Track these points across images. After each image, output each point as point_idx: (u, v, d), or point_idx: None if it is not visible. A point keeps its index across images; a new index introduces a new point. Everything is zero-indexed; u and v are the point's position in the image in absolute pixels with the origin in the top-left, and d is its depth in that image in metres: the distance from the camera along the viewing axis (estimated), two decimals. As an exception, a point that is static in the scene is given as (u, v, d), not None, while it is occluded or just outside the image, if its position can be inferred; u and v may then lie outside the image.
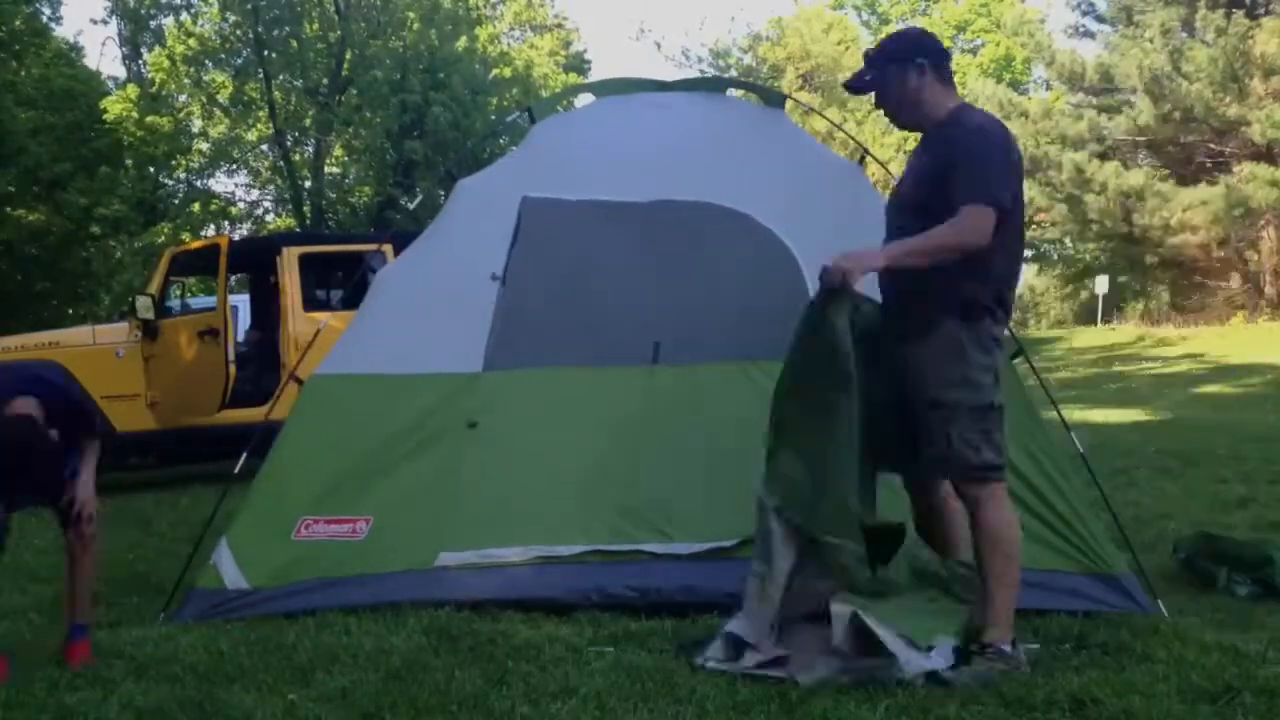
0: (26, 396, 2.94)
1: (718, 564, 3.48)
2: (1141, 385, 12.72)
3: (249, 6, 21.31)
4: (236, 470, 3.89)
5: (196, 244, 9.00)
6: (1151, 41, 19.45)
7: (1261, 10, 18.63)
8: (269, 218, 26.95)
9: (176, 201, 23.13)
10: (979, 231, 2.74)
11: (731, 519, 3.54)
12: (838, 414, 2.82)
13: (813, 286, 3.51)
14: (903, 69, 2.96)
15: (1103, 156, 20.36)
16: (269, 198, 27.14)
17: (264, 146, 25.13)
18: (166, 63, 22.97)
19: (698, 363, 3.91)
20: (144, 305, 7.48)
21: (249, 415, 7.01)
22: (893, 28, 34.31)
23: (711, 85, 5.00)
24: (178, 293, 8.87)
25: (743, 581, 3.00)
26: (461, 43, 22.85)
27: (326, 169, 24.85)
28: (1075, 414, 8.38)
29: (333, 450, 3.78)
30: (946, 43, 30.97)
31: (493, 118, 21.47)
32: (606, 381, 3.91)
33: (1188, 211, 18.70)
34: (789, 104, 4.84)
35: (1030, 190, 21.86)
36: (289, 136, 24.10)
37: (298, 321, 7.63)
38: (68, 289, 20.83)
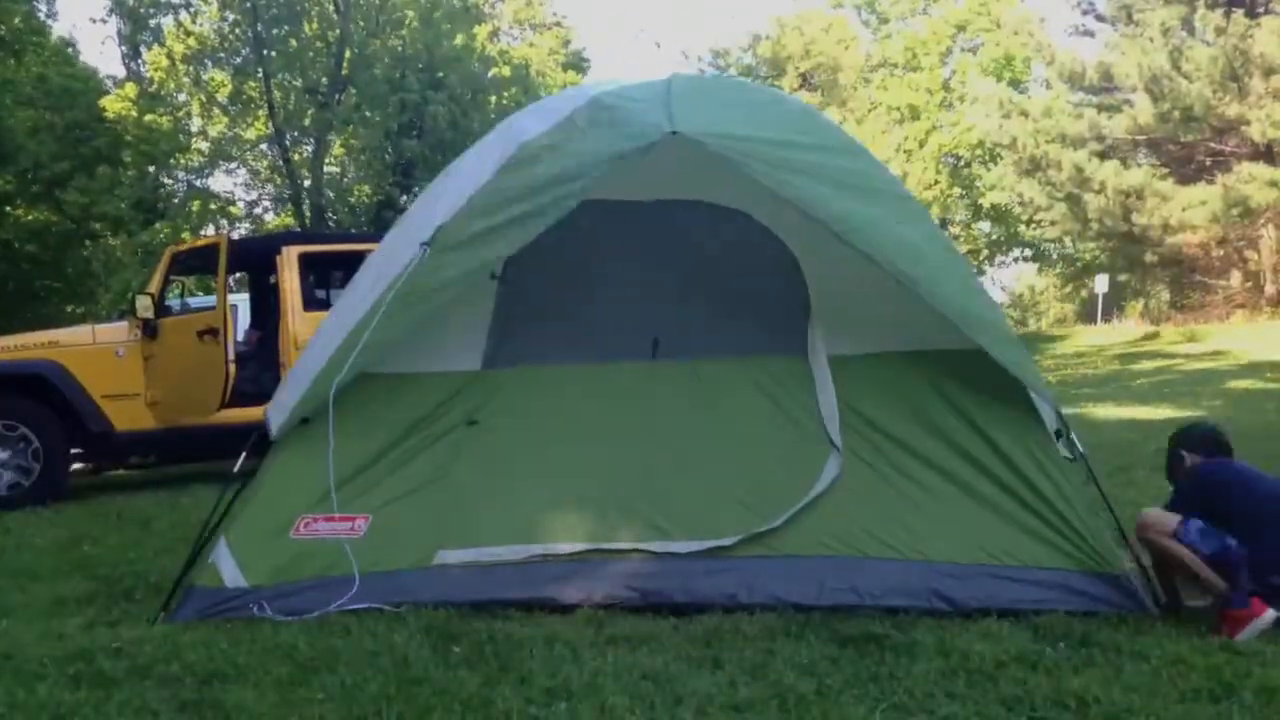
0: None
1: (717, 562, 3.49)
2: (1142, 384, 12.72)
3: (248, 5, 21.28)
4: (236, 470, 3.89)
5: (196, 243, 8.96)
6: (1151, 41, 19.43)
7: (1261, 10, 18.60)
8: (268, 217, 26.90)
9: (176, 200, 23.06)
10: None
11: (731, 516, 3.55)
12: None
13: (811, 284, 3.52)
14: None
15: (1102, 156, 20.34)
16: (268, 197, 27.12)
17: (263, 145, 25.09)
18: (165, 61, 22.94)
19: (696, 358, 3.94)
20: (144, 305, 7.46)
21: (248, 415, 7.00)
22: (893, 27, 34.22)
23: (711, 85, 5.00)
24: (177, 292, 8.85)
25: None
26: (460, 40, 22.83)
27: (325, 168, 24.80)
28: (1077, 413, 8.38)
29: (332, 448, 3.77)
30: (947, 43, 30.69)
31: (492, 116, 21.44)
32: (605, 378, 3.93)
33: (1187, 211, 18.69)
34: (789, 103, 4.82)
35: (1030, 190, 21.84)
36: (288, 135, 24.06)
37: (298, 321, 7.61)
38: (67, 288, 20.81)
